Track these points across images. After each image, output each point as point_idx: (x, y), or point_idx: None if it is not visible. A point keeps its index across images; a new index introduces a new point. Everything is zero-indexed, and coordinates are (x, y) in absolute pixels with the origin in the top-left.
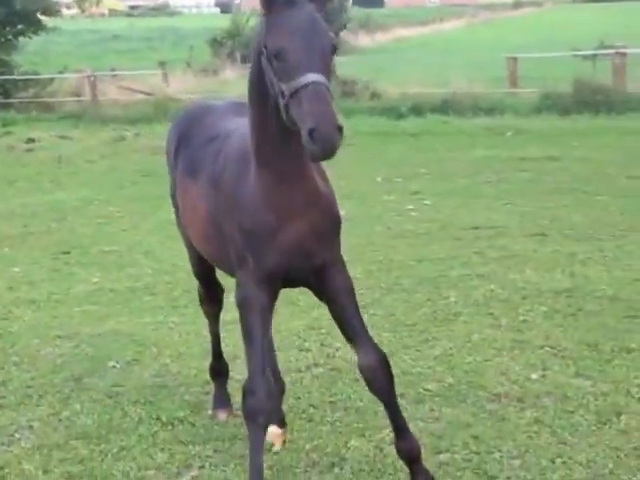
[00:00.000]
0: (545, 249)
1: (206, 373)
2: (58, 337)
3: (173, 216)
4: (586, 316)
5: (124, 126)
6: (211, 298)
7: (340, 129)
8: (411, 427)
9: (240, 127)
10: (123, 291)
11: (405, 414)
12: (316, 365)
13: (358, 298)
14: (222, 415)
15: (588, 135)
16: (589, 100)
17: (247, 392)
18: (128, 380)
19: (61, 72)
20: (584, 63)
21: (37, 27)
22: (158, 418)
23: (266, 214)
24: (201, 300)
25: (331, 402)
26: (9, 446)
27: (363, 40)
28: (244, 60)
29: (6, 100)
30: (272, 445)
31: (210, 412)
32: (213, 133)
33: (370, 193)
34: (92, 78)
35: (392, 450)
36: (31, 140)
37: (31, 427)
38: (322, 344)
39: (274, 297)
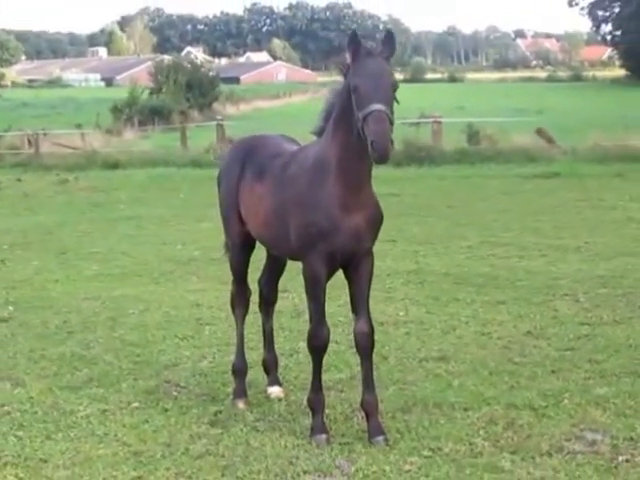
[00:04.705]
0: (397, 249)
1: (193, 310)
2: (86, 299)
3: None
4: (429, 284)
5: (63, 172)
6: (242, 300)
7: (392, 142)
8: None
9: (303, 148)
10: (118, 275)
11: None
12: None
13: None
14: (241, 404)
15: (417, 179)
16: (415, 155)
17: (312, 335)
18: (146, 319)
19: (6, 130)
20: (410, 128)
21: None
22: (175, 335)
23: (338, 211)
24: (233, 304)
25: None
26: (88, 350)
27: (230, 110)
28: (140, 124)
29: None
30: (279, 398)
31: (231, 401)
32: (276, 151)
33: None
34: (35, 136)
35: None
36: None
37: (98, 341)
38: None
39: (332, 274)
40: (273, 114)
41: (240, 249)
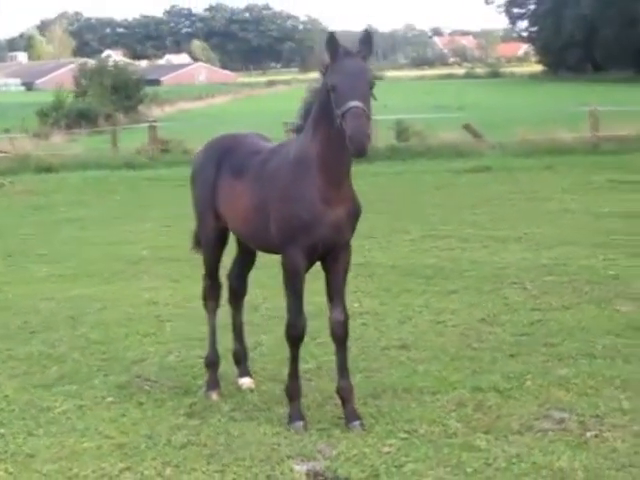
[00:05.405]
0: None
1: (150, 308)
2: (43, 300)
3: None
4: (378, 276)
5: None
6: (213, 294)
7: (368, 136)
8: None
9: (283, 145)
10: (69, 275)
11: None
12: None
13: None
14: (214, 396)
15: (352, 177)
16: None
17: (290, 325)
18: (105, 317)
19: None
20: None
21: None
22: (137, 332)
23: (320, 205)
24: (205, 297)
25: None
26: (54, 348)
27: (155, 111)
28: (67, 127)
29: None
30: (250, 389)
31: (204, 393)
32: (254, 149)
33: None
34: None
35: None
36: None
37: (62, 340)
38: None
39: (311, 266)
40: (198, 115)
41: (214, 245)
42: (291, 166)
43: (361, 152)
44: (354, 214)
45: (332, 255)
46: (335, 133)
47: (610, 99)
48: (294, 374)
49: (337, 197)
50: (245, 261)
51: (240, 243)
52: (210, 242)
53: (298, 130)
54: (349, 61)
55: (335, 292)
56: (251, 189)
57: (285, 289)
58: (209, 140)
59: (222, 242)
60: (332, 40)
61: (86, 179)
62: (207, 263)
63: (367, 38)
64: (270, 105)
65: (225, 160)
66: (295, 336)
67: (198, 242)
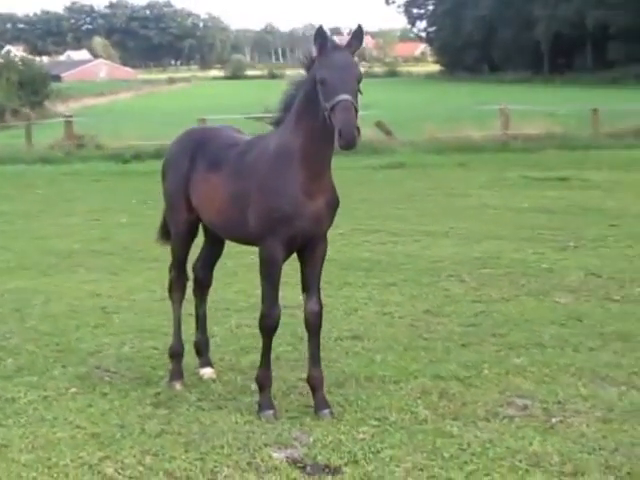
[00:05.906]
0: None
1: (94, 300)
2: None
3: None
4: None
5: None
6: (180, 285)
7: (358, 129)
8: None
9: (261, 138)
10: (4, 268)
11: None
12: None
13: None
14: (178, 386)
15: None
16: None
17: (265, 315)
18: (52, 310)
19: None
20: (256, 123)
21: None
22: (86, 324)
23: (302, 197)
24: (171, 289)
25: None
26: (6, 340)
27: (60, 107)
28: None
29: None
30: (212, 379)
31: (167, 383)
32: (231, 142)
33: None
34: None
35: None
36: None
37: (12, 332)
38: None
39: (289, 257)
40: (103, 111)
41: (184, 237)
42: (271, 158)
43: (351, 145)
44: (333, 205)
45: (310, 246)
46: (319, 126)
47: (511, 99)
48: (266, 363)
49: (318, 189)
50: (212, 252)
51: (208, 234)
52: (180, 234)
53: (277, 122)
54: (338, 55)
55: (312, 283)
56: (228, 181)
57: (261, 280)
58: (182, 132)
59: (192, 234)
60: (321, 34)
61: (3, 174)
62: (175, 255)
63: (358, 33)
64: (173, 102)
65: (199, 152)
66: (270, 326)
67: (165, 233)
